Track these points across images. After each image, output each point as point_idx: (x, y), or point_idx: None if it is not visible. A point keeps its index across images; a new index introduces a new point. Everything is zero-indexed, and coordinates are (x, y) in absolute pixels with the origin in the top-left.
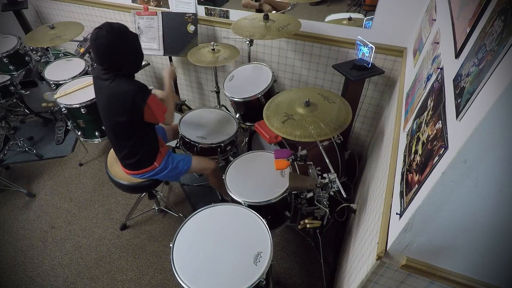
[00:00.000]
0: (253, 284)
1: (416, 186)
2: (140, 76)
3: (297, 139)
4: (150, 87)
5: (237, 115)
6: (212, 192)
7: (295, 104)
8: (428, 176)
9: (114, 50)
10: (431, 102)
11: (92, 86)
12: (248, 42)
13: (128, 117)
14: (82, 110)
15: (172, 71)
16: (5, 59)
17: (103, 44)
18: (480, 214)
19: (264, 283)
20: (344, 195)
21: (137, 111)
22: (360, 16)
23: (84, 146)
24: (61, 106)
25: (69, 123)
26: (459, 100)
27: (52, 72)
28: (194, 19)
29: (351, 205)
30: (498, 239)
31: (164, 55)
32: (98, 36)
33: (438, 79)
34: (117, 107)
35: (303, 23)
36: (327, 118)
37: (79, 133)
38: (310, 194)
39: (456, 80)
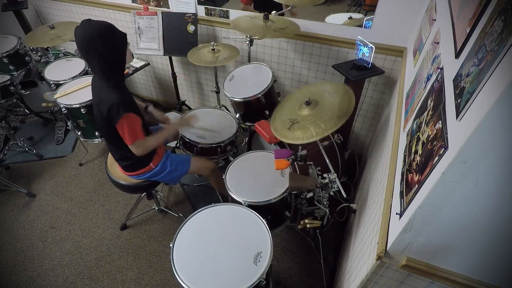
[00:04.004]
0: (253, 284)
1: (416, 186)
2: (140, 76)
3: (299, 142)
4: (149, 106)
5: (237, 115)
6: (212, 192)
7: (296, 107)
8: (428, 176)
9: (89, 45)
10: (431, 102)
11: None
12: (248, 42)
13: (107, 124)
14: (82, 110)
15: (175, 131)
16: (5, 59)
17: (79, 37)
18: (480, 214)
19: (264, 283)
20: (344, 195)
21: (111, 121)
22: (360, 16)
23: (84, 146)
24: (61, 106)
25: (69, 123)
26: (459, 100)
27: (52, 72)
28: (194, 19)
29: (351, 205)
30: (498, 239)
31: (164, 55)
32: (77, 30)
33: (438, 79)
34: (101, 112)
35: (303, 23)
36: (328, 113)
37: (79, 133)
38: (310, 194)
39: (456, 80)
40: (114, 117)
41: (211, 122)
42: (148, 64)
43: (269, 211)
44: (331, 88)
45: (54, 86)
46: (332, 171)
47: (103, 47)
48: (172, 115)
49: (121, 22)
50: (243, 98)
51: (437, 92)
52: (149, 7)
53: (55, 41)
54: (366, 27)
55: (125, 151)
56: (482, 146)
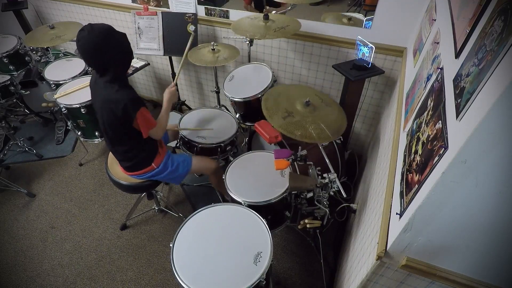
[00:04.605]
0: (253, 284)
1: (416, 186)
2: (140, 76)
3: (297, 139)
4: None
5: (237, 115)
6: (212, 192)
7: (295, 102)
8: (428, 176)
9: (95, 50)
10: (431, 102)
11: None
12: (248, 42)
13: (118, 122)
14: (82, 110)
15: (173, 94)
16: (5, 59)
17: (84, 45)
18: (480, 214)
19: (264, 283)
20: (344, 195)
21: (127, 120)
22: (360, 16)
23: (84, 146)
24: (61, 106)
25: (69, 123)
26: (459, 100)
27: (52, 72)
28: (194, 19)
29: (351, 205)
30: (498, 239)
31: (164, 55)
32: (80, 37)
33: (438, 79)
34: (109, 113)
35: (303, 23)
36: (327, 120)
37: (79, 133)
38: (310, 194)
39: (456, 80)
40: (131, 114)
41: (211, 122)
42: (148, 64)
43: (269, 211)
44: (327, 100)
45: (54, 86)
46: (332, 171)
47: (114, 49)
48: (172, 115)
49: (121, 22)
50: (243, 98)
51: (437, 92)
52: (149, 7)
53: (55, 41)
54: (366, 27)
55: (128, 151)
56: (482, 146)
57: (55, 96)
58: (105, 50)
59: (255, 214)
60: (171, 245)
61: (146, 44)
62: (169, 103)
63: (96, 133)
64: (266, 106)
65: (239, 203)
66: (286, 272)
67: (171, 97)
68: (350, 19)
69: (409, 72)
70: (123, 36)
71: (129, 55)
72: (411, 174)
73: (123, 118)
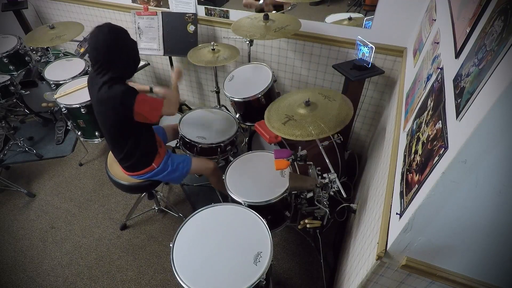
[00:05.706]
0: (253, 284)
1: (416, 186)
2: (140, 76)
3: (297, 139)
4: (150, 86)
5: (237, 115)
6: (212, 192)
7: (295, 105)
8: (428, 176)
9: (110, 48)
10: (431, 102)
11: None
12: (248, 42)
13: (120, 118)
14: (82, 110)
15: (179, 73)
16: (5, 59)
17: (101, 40)
18: (480, 214)
19: (264, 283)
20: (344, 195)
21: (127, 110)
22: (360, 16)
23: (84, 146)
24: (61, 106)
25: (69, 123)
26: (459, 100)
27: (52, 72)
28: (194, 19)
29: (351, 205)
30: (498, 239)
31: (164, 55)
32: (97, 31)
33: (438, 79)
34: (108, 111)
35: (303, 23)
36: (327, 116)
37: (79, 133)
38: (310, 194)
39: (456, 80)
40: (129, 102)
41: (211, 122)
42: (148, 64)
43: (269, 211)
44: (330, 95)
45: (54, 86)
46: (332, 171)
47: (123, 52)
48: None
49: (121, 22)
50: (243, 98)
51: (437, 92)
52: (149, 7)
53: (55, 41)
54: (366, 27)
55: (128, 151)
56: (482, 146)
57: (55, 96)
58: (114, 50)
59: (255, 214)
60: (171, 245)
61: (146, 44)
62: (176, 79)
63: (96, 133)
64: (269, 118)
65: (239, 203)
66: (286, 272)
67: (178, 74)
68: (350, 19)
69: (409, 72)
70: (134, 43)
71: (135, 63)
72: (411, 174)
73: (123, 112)
